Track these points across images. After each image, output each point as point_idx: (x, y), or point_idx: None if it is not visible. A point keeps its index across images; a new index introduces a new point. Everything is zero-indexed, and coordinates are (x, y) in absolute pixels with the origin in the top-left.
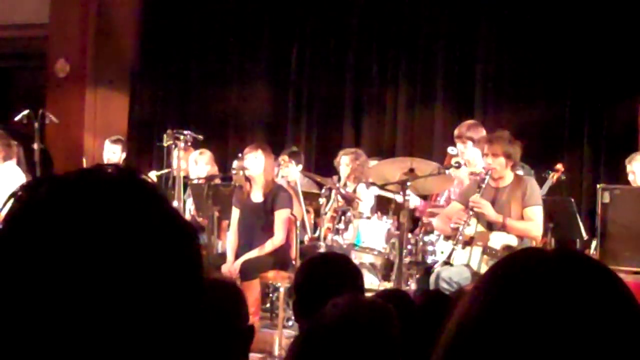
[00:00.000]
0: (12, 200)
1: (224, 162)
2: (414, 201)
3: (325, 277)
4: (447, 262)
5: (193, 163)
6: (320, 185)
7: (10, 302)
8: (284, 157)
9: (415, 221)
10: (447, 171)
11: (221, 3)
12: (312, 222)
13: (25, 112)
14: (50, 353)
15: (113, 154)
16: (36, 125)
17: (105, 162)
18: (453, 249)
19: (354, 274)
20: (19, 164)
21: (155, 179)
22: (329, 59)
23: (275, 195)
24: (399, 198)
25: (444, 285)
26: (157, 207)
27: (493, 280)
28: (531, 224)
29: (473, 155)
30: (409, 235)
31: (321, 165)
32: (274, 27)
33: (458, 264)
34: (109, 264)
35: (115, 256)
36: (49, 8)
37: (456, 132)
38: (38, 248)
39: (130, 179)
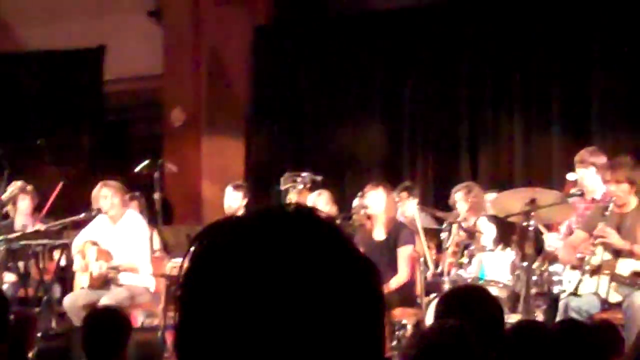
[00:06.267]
0: (196, 243)
1: (342, 202)
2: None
3: (467, 309)
4: (574, 293)
5: (311, 205)
6: (438, 220)
7: (199, 341)
8: (401, 194)
9: (538, 251)
10: (569, 200)
11: (332, 42)
12: (434, 257)
13: (146, 162)
14: None
15: (235, 200)
16: (156, 174)
17: (226, 208)
18: (580, 280)
19: (494, 305)
20: (141, 213)
21: None
22: (442, 93)
23: (398, 232)
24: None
25: (573, 315)
26: (341, 245)
27: None
28: None
29: (594, 181)
30: (533, 265)
31: (439, 201)
32: (386, 64)
33: (586, 293)
34: (300, 303)
35: (304, 296)
36: (162, 59)
37: (577, 157)
38: (224, 289)
39: (312, 218)
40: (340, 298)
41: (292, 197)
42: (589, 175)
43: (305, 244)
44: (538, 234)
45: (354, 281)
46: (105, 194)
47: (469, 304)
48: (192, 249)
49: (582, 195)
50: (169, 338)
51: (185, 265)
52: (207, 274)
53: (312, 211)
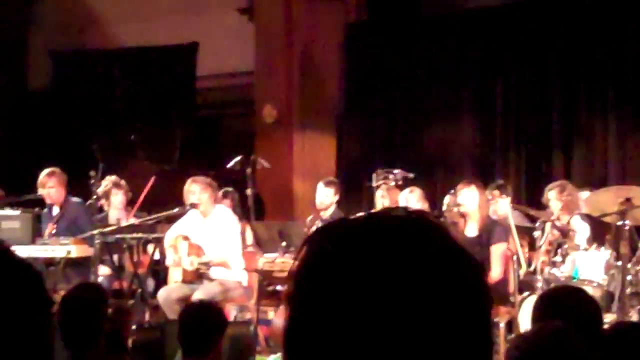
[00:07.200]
0: (307, 246)
1: (433, 199)
2: None
3: (566, 310)
4: None
5: (404, 201)
6: (531, 219)
7: (309, 341)
8: (493, 192)
9: (633, 250)
10: None
11: (424, 40)
12: (526, 256)
13: (238, 158)
14: None
15: (326, 196)
16: (248, 170)
17: (318, 204)
18: None
19: (593, 306)
20: (234, 208)
21: None
22: (535, 90)
23: (491, 229)
24: None
25: None
26: (452, 247)
27: None
28: None
29: None
30: (628, 265)
31: (532, 199)
32: (478, 62)
33: None
34: (414, 304)
35: (418, 298)
36: (254, 55)
37: None
38: (337, 292)
39: (422, 221)
40: (453, 300)
41: (382, 194)
42: None
43: (418, 247)
44: (633, 233)
45: (466, 282)
46: (193, 190)
47: (568, 304)
48: (303, 251)
49: None
50: (262, 332)
51: (297, 266)
52: (319, 276)
53: (421, 214)
